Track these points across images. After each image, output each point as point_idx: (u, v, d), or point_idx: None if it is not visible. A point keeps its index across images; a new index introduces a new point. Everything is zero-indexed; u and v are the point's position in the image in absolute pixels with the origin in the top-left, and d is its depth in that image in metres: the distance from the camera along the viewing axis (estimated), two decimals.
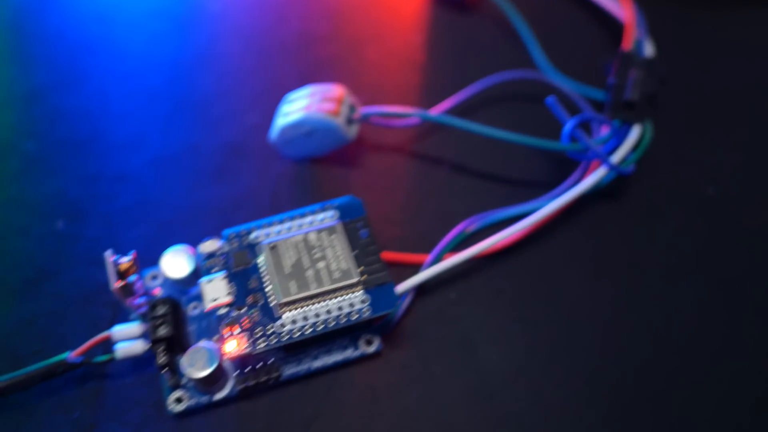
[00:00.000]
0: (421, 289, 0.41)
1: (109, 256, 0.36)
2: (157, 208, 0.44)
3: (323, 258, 0.37)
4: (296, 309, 0.36)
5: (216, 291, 0.36)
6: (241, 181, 0.45)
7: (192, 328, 0.38)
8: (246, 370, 0.37)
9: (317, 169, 0.45)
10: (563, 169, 0.45)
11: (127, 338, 0.37)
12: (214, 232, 0.40)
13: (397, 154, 0.46)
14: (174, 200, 0.44)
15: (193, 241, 0.40)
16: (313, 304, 0.36)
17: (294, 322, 0.36)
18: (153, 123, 0.48)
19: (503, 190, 0.45)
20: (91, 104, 0.49)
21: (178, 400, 0.36)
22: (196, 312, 0.39)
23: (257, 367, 0.37)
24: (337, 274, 0.36)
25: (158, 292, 0.39)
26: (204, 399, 0.36)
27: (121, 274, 0.36)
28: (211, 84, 0.50)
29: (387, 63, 0.52)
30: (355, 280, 0.36)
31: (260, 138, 0.47)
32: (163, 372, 0.36)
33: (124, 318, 0.39)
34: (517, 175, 0.45)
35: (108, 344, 0.37)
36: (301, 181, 0.45)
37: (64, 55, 0.52)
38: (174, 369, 0.36)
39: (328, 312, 0.36)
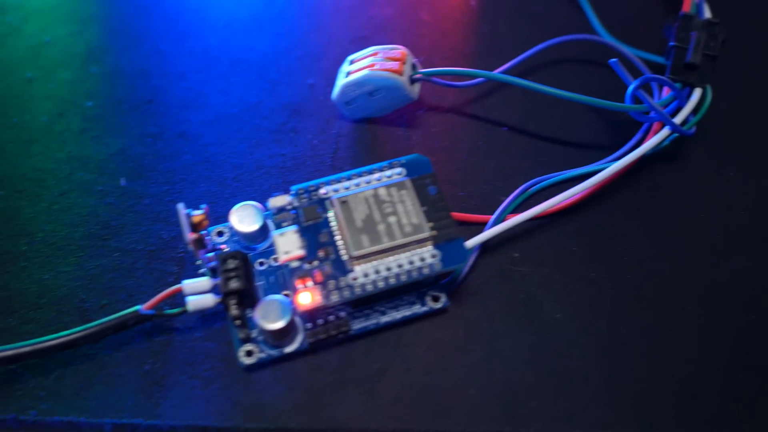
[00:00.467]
0: (484, 248, 0.41)
1: (182, 209, 0.37)
2: (219, 166, 0.44)
3: (394, 213, 0.37)
4: (368, 262, 0.36)
5: (288, 244, 0.36)
6: (301, 141, 0.45)
7: (259, 283, 0.38)
8: (316, 325, 0.37)
9: (377, 129, 0.46)
10: (621, 131, 0.45)
11: (197, 292, 0.37)
12: (276, 190, 0.41)
13: (457, 115, 0.47)
14: (235, 159, 0.44)
15: (256, 199, 0.40)
16: (385, 257, 0.36)
17: (366, 275, 0.36)
18: (211, 83, 0.48)
19: (562, 151, 0.45)
20: (149, 64, 0.49)
21: (249, 353, 0.37)
22: (263, 268, 0.39)
23: (327, 321, 0.37)
24: (408, 229, 0.36)
25: (224, 248, 0.39)
26: (274, 352, 0.37)
27: (194, 227, 0.36)
28: (268, 44, 0.50)
29: (442, 26, 0.52)
30: (426, 234, 0.36)
31: (318, 98, 0.47)
32: (234, 325, 0.36)
33: (189, 273, 0.39)
34: (576, 138, 0.46)
35: (175, 299, 0.38)
36: (362, 140, 0.45)
37: (119, 15, 0.52)
38: (244, 322, 0.36)
39: (400, 266, 0.36)
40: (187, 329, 0.38)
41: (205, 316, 0.38)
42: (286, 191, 0.39)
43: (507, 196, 0.42)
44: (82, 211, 0.42)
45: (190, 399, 0.36)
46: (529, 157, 0.44)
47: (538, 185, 0.43)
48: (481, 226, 0.41)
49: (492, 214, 0.41)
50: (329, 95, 0.46)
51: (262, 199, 0.40)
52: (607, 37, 0.48)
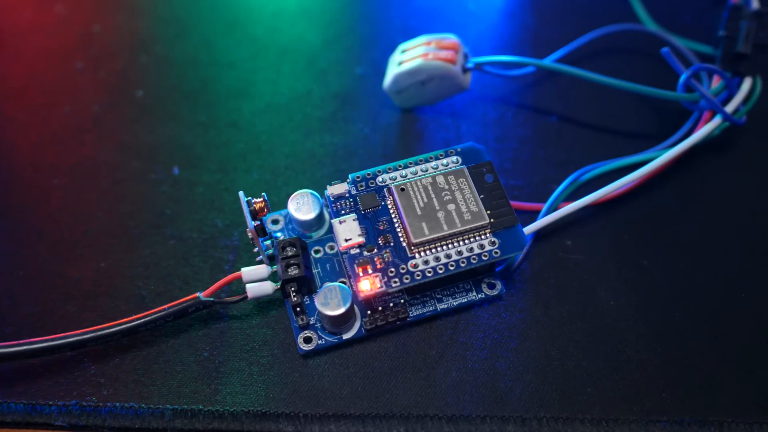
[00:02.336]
0: (537, 237, 0.41)
1: (243, 197, 0.37)
2: (271, 154, 0.44)
3: (453, 200, 0.37)
4: (428, 250, 0.36)
5: (348, 231, 0.37)
6: (351, 130, 0.45)
7: (315, 271, 0.39)
8: (374, 311, 0.37)
9: (426, 118, 0.46)
10: (669, 121, 0.46)
11: (256, 279, 0.37)
12: (328, 178, 0.41)
13: (506, 105, 0.47)
14: (286, 147, 0.45)
15: (309, 187, 0.40)
16: (445, 245, 0.36)
17: (426, 262, 0.36)
18: (261, 72, 0.48)
19: (612, 140, 0.45)
20: (198, 53, 0.49)
21: (307, 340, 0.37)
22: (319, 255, 0.39)
23: (385, 308, 0.37)
24: (467, 216, 0.37)
25: (280, 236, 0.40)
26: (332, 339, 0.37)
27: (255, 214, 0.37)
28: (316, 34, 0.50)
29: (488, 16, 0.52)
30: (486, 221, 0.36)
31: (367, 87, 0.47)
32: (294, 311, 0.36)
33: (245, 261, 0.40)
34: (625, 127, 0.46)
35: (232, 286, 0.38)
36: (411, 130, 0.45)
37: (166, 4, 0.52)
38: (303, 309, 0.37)
39: (459, 253, 0.36)
40: (243, 316, 0.38)
41: (260, 303, 0.38)
42: (340, 179, 0.39)
43: (558, 185, 0.42)
44: (136, 199, 0.42)
45: (248, 385, 0.36)
46: (579, 146, 0.44)
47: (589, 174, 0.42)
48: (532, 215, 0.41)
49: (542, 202, 0.41)
50: (378, 84, 0.46)
51: (315, 187, 0.40)
52: (654, 28, 0.48)
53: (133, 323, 0.36)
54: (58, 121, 0.46)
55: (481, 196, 0.37)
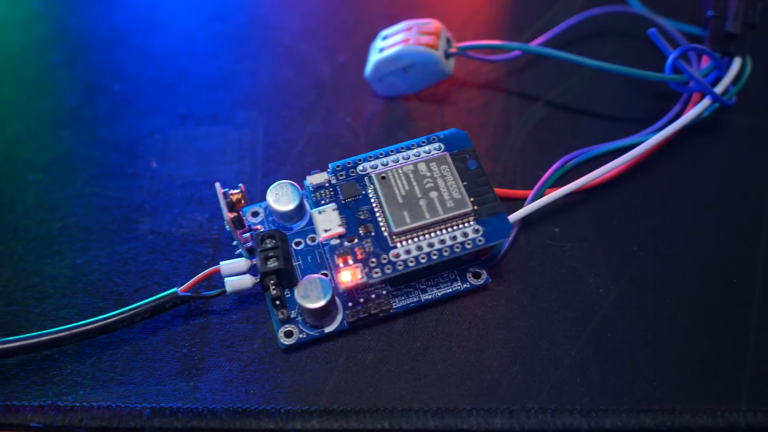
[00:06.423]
0: (524, 224, 0.40)
1: (220, 188, 0.36)
2: (251, 146, 0.43)
3: (435, 188, 0.36)
4: (410, 239, 0.35)
5: (328, 222, 0.36)
6: (333, 119, 0.44)
7: (296, 264, 0.38)
8: (356, 303, 0.36)
9: (409, 106, 0.45)
10: (658, 103, 0.45)
11: (235, 273, 0.36)
12: (309, 169, 0.40)
13: (491, 90, 0.46)
14: (267, 138, 0.44)
15: (290, 178, 0.39)
16: (427, 233, 0.35)
17: (408, 251, 0.35)
18: (241, 63, 0.47)
19: (600, 124, 0.44)
20: (177, 45, 0.48)
21: (288, 334, 0.36)
22: (300, 248, 0.38)
23: (368, 300, 0.36)
24: (450, 204, 0.36)
25: (258, 228, 0.39)
26: (314, 333, 0.36)
27: (232, 206, 0.36)
28: (297, 23, 0.50)
29: (473, 1, 0.51)
30: (469, 209, 0.36)
31: (350, 76, 0.46)
32: (273, 305, 0.35)
33: (225, 255, 0.39)
34: (613, 110, 0.45)
35: (212, 281, 0.37)
36: (394, 118, 0.44)
37: None
38: (283, 302, 0.36)
39: (442, 241, 0.35)
40: (223, 311, 0.37)
41: (241, 297, 0.38)
42: (322, 169, 0.38)
43: (545, 171, 0.41)
44: (114, 194, 0.41)
45: (229, 382, 0.35)
46: (566, 131, 0.44)
47: (576, 159, 0.42)
48: (519, 202, 0.40)
49: (530, 189, 0.40)
50: (360, 73, 0.45)
51: (297, 178, 0.39)
52: (641, 9, 0.48)
53: (110, 320, 0.36)
54: (34, 116, 0.45)
55: (464, 182, 0.36)
